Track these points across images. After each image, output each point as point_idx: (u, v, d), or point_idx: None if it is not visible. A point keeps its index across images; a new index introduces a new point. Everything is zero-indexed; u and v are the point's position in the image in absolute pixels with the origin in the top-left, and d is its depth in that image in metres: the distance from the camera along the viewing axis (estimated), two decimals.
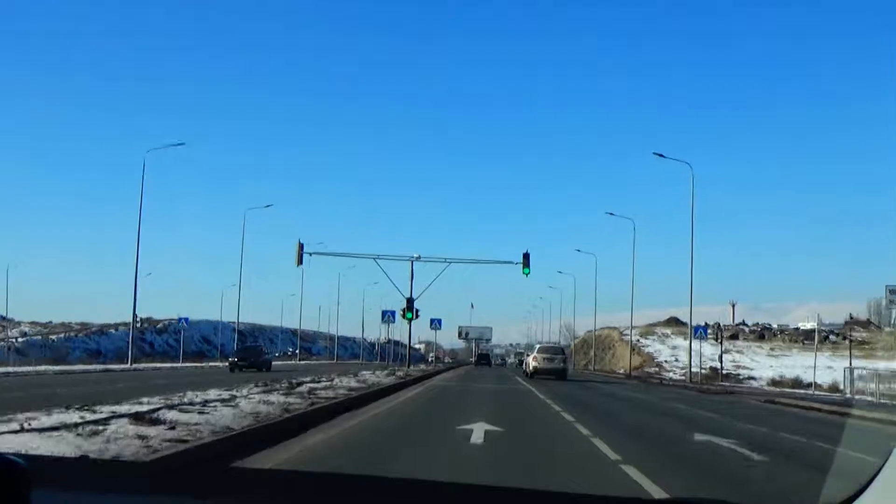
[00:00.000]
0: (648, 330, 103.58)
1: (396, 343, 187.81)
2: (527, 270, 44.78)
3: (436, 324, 52.51)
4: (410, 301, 45.51)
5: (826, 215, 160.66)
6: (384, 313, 44.90)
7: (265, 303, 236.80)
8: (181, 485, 2.06)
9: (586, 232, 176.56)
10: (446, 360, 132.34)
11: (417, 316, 45.84)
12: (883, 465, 1.62)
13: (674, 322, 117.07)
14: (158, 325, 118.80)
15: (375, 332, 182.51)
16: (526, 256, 44.95)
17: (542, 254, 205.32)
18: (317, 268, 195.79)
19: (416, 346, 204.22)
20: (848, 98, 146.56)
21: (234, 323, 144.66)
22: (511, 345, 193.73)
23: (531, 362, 42.02)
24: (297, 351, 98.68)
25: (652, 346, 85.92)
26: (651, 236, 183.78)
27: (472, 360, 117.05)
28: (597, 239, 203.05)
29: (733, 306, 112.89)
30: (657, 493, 6.77)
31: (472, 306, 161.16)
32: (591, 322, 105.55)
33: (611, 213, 63.30)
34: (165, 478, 2.26)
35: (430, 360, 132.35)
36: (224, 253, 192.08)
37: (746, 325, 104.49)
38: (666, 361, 74.79)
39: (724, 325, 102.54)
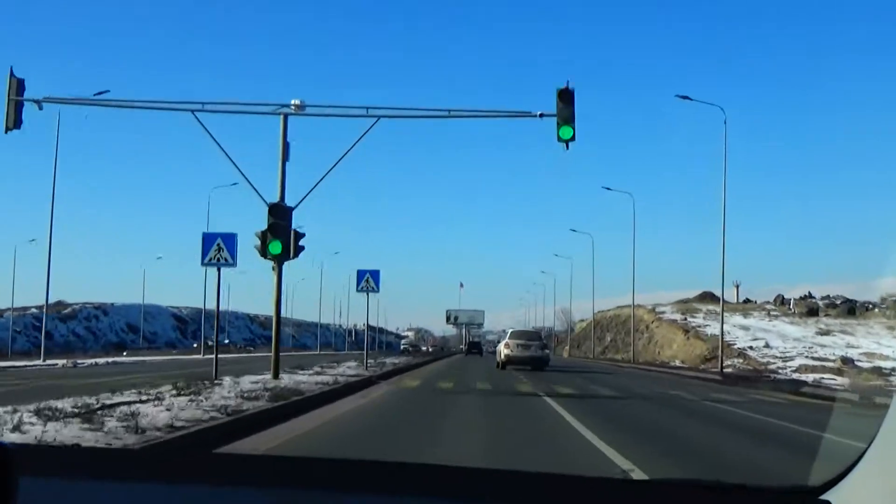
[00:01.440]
0: (688, 307, 75.80)
1: (380, 331, 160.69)
2: (568, 131, 17.05)
3: (368, 281, 24.49)
4: (279, 211, 17.73)
5: (810, 203, 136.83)
6: (207, 241, 16.90)
7: (226, 285, 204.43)
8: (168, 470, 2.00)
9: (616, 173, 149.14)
10: (429, 349, 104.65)
11: (298, 250, 18.02)
12: (869, 444, 1.52)
13: (709, 298, 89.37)
14: (65, 311, 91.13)
15: (355, 317, 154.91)
16: (565, 97, 17.20)
17: (546, 223, 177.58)
18: None
19: (406, 334, 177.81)
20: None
21: (173, 308, 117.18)
22: (504, 331, 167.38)
23: (503, 350, 34.70)
24: (214, 340, 70.31)
25: (711, 326, 58.09)
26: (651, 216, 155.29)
27: (463, 347, 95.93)
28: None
29: (737, 287, 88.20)
30: None
31: (462, 286, 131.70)
32: (603, 304, 79.34)
33: (686, 97, 35.46)
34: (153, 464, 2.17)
35: (404, 348, 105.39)
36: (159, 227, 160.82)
37: (813, 298, 76.39)
38: (751, 348, 46.90)
39: (793, 299, 74.93)
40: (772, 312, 68.88)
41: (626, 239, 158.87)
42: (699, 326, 58.54)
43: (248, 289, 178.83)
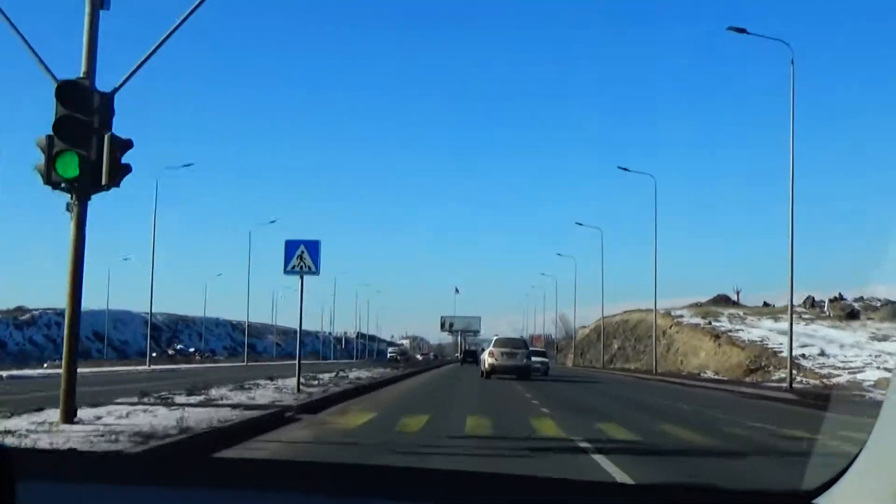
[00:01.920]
0: (707, 311, 66.99)
1: (370, 338, 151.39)
2: None
3: (301, 257, 15.44)
4: (77, 96, 8.60)
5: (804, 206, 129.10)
6: None
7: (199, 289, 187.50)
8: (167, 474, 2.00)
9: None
10: (419, 358, 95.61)
11: (118, 172, 8.90)
12: (861, 448, 1.54)
13: (724, 301, 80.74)
14: (23, 318, 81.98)
15: (340, 325, 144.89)
16: None
17: (547, 221, 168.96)
18: (266, 242, 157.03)
19: (400, 342, 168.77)
20: None
21: (146, 314, 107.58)
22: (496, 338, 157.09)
23: (487, 359, 32.79)
24: (155, 350, 61.71)
25: (745, 331, 49.32)
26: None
27: (458, 355, 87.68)
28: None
29: (738, 294, 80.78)
30: None
31: (457, 291, 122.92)
32: (606, 309, 70.17)
33: (742, 30, 26.71)
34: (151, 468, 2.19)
35: (391, 357, 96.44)
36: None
37: (845, 299, 67.46)
38: (803, 356, 38.00)
39: (827, 301, 66.10)
40: (804, 315, 60.04)
41: (630, 239, 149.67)
42: (730, 331, 49.64)
43: (231, 293, 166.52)
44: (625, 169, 45.66)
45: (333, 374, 24.85)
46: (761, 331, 48.24)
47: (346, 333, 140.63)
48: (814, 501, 1.61)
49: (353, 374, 25.98)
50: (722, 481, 7.69)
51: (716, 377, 39.25)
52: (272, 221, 63.34)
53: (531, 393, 21.01)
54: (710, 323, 55.04)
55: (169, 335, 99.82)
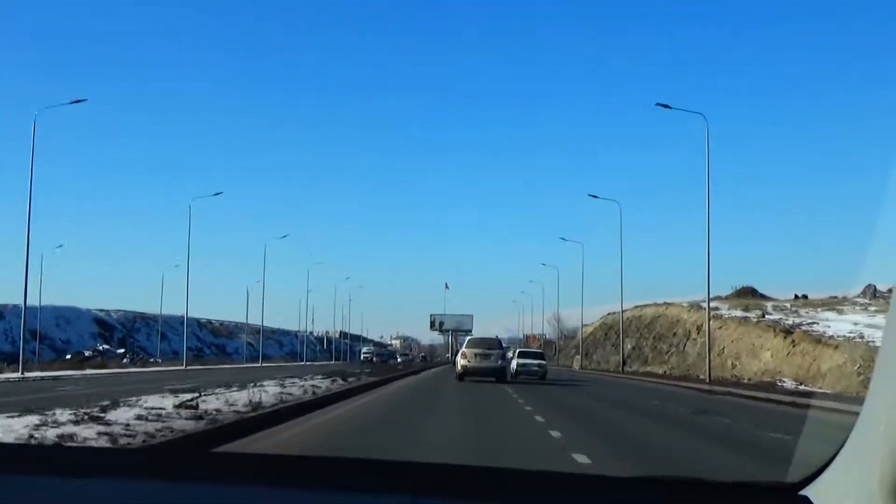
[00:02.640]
0: (743, 303, 55.01)
1: (354, 337, 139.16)
2: None
3: None
4: None
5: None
6: None
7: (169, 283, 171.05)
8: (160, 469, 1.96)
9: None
10: (397, 360, 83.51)
11: None
12: (846, 439, 1.53)
13: (750, 293, 68.82)
14: None
15: (324, 325, 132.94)
16: None
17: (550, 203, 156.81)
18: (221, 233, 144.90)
19: (390, 344, 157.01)
20: None
21: (99, 311, 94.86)
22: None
23: (460, 360, 31.43)
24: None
25: (820, 325, 37.26)
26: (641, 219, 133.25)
27: (449, 356, 79.71)
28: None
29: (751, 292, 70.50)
30: None
31: (447, 287, 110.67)
32: (609, 308, 58.19)
33: None
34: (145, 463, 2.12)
35: (365, 359, 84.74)
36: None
37: None
38: None
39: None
40: (869, 308, 48.10)
41: (636, 232, 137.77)
42: (800, 325, 37.46)
43: (200, 290, 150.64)
44: (666, 106, 33.77)
45: (188, 398, 12.52)
46: (840, 324, 36.13)
47: (327, 333, 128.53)
48: (800, 492, 1.58)
49: (226, 398, 13.50)
50: None
51: (804, 388, 27.08)
52: (217, 194, 51.57)
53: (579, 445, 8.76)
54: (763, 316, 42.89)
55: (122, 334, 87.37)
